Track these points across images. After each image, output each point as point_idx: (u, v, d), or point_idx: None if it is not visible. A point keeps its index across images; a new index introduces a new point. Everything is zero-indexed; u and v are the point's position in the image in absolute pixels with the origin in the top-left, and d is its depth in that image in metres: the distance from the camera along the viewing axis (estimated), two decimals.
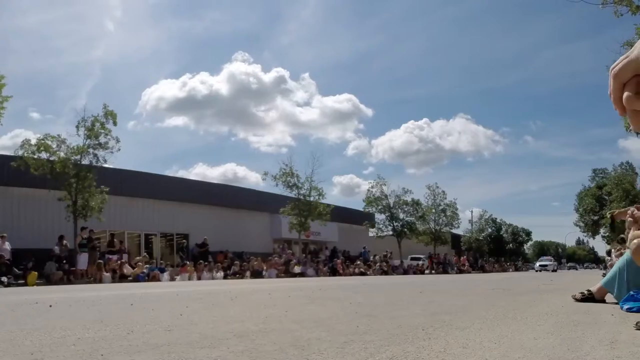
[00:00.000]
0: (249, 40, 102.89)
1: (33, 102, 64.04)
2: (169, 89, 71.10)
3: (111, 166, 17.87)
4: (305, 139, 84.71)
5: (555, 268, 45.25)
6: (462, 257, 40.03)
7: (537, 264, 46.30)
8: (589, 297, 4.18)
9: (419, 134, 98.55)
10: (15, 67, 57.31)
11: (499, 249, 59.53)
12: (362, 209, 34.96)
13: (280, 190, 25.62)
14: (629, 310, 3.35)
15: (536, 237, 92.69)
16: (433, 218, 37.57)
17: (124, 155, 30.68)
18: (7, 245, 13.91)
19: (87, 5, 66.68)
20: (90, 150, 16.72)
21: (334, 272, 22.70)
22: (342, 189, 77.18)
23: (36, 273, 13.46)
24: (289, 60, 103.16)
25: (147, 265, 16.94)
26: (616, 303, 3.84)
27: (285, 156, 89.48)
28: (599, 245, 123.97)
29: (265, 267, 20.07)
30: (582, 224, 49.23)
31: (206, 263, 18.65)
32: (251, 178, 77.29)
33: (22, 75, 55.43)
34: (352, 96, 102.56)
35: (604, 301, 4.09)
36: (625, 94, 0.59)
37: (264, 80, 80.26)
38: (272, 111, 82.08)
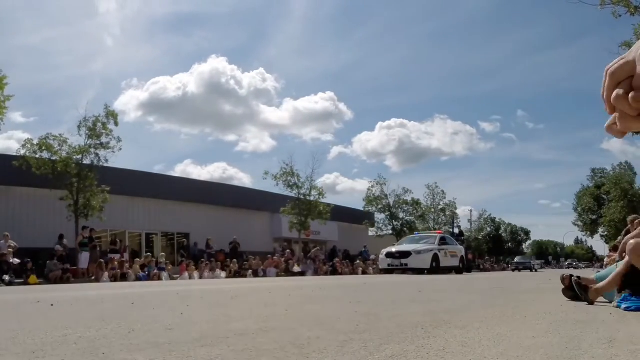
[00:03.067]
0: (238, 53, 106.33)
1: (34, 110, 66.52)
2: (142, 92, 71.44)
3: (112, 166, 17.92)
4: (286, 140, 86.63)
5: None
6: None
7: None
8: (578, 288, 3.90)
9: (402, 134, 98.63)
10: (18, 80, 60.02)
11: (498, 248, 59.60)
12: (362, 209, 35.04)
13: (280, 189, 25.70)
14: (627, 309, 3.36)
15: (534, 236, 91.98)
16: (432, 217, 37.66)
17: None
18: (12, 243, 13.97)
19: (88, 24, 70.71)
20: (92, 150, 16.79)
21: (334, 272, 22.72)
22: (325, 188, 76.89)
23: (34, 276, 13.46)
24: (275, 70, 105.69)
25: (148, 265, 16.97)
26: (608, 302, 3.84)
27: (268, 156, 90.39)
28: (598, 244, 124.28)
29: (263, 266, 20.11)
30: (580, 224, 49.30)
31: (207, 262, 18.69)
32: (242, 178, 77.96)
33: (24, 87, 58.45)
34: (333, 94, 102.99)
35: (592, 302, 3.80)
36: (616, 91, 0.61)
37: (244, 83, 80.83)
38: (255, 113, 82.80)
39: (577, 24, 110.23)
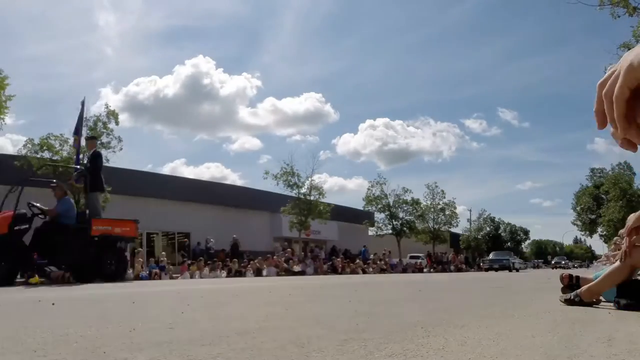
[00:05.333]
0: (231, 63, 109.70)
1: (35, 117, 67.60)
2: (129, 94, 71.36)
3: (113, 165, 17.94)
4: (271, 139, 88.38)
5: None
6: (459, 256, 40.04)
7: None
8: (574, 287, 3.82)
9: (388, 134, 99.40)
10: (21, 88, 61.25)
11: (497, 248, 59.54)
12: (362, 208, 35.10)
13: (280, 189, 25.73)
14: (626, 307, 3.37)
15: (532, 236, 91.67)
16: (432, 217, 37.69)
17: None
18: None
19: (89, 35, 75.39)
20: None
21: (333, 271, 22.73)
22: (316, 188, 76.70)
23: (36, 275, 13.47)
24: (264, 75, 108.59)
25: (149, 264, 16.99)
26: (607, 301, 3.82)
27: (254, 156, 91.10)
28: (597, 243, 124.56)
29: (265, 266, 20.12)
30: (579, 223, 49.33)
31: (208, 262, 18.71)
32: (235, 178, 78.87)
33: (26, 95, 61.77)
34: (320, 95, 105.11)
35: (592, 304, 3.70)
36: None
37: (233, 84, 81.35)
38: (242, 113, 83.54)
39: (558, 30, 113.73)
